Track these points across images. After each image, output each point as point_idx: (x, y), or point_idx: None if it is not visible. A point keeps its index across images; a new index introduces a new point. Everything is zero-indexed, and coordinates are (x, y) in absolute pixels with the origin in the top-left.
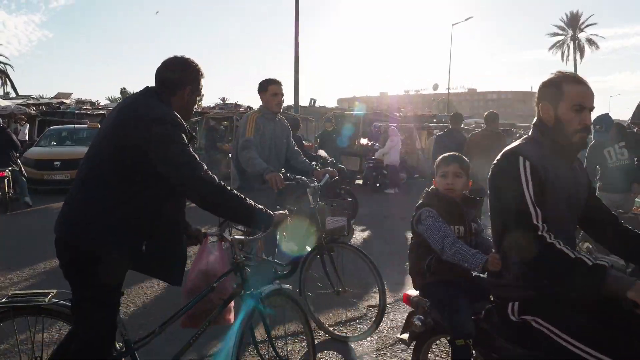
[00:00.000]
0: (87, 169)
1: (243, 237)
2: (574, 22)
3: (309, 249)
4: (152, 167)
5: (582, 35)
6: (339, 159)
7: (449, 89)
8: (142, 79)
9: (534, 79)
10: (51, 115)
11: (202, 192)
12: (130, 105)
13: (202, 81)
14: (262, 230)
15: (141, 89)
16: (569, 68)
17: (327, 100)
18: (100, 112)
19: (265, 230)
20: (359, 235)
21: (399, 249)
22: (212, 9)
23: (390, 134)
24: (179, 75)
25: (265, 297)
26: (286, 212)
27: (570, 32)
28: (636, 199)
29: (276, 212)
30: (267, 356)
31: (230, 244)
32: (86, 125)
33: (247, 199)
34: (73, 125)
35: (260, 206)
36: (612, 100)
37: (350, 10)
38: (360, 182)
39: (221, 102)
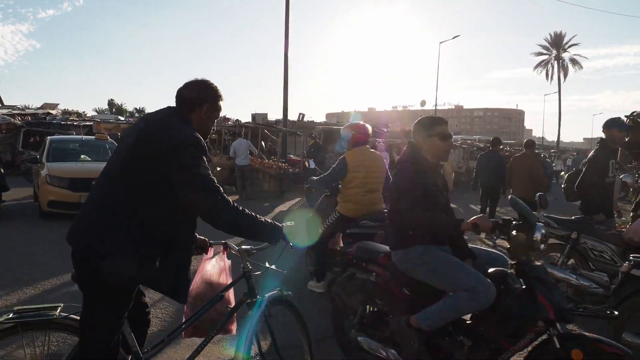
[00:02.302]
0: (106, 184)
1: (250, 247)
2: (557, 42)
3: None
4: (171, 186)
5: (565, 55)
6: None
7: (436, 105)
8: (130, 90)
9: (519, 97)
10: (37, 125)
11: (218, 215)
12: (154, 123)
13: (220, 103)
14: (272, 243)
15: (162, 107)
16: (553, 87)
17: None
18: (87, 123)
19: (275, 243)
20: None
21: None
22: (201, 23)
23: (377, 149)
24: (197, 95)
25: (270, 304)
26: (292, 223)
27: (554, 51)
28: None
29: (284, 224)
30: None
31: (239, 254)
32: (94, 137)
33: (258, 215)
34: (81, 136)
35: (270, 221)
36: (595, 118)
37: (339, 27)
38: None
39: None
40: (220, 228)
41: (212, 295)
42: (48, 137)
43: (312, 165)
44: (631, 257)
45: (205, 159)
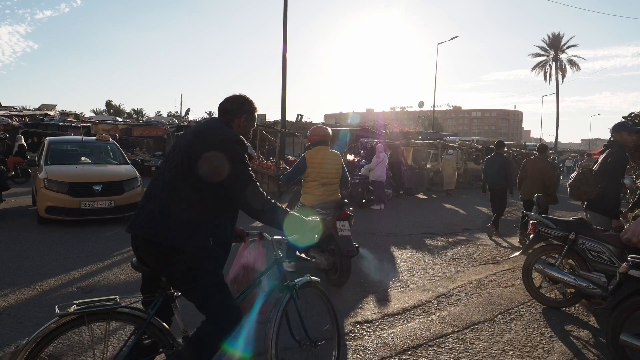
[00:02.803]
0: (171, 179)
1: (281, 237)
2: (555, 43)
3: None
4: (220, 178)
5: (563, 56)
6: None
7: (434, 106)
8: (128, 91)
9: (517, 98)
10: (34, 127)
11: (253, 204)
12: (205, 125)
13: (256, 114)
14: (298, 235)
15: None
16: (551, 88)
17: (314, 115)
18: (85, 124)
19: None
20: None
21: (385, 266)
22: (199, 24)
23: (376, 150)
24: (236, 107)
25: (299, 288)
26: (318, 218)
27: (552, 52)
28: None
29: (310, 219)
30: (299, 338)
31: (271, 243)
32: (94, 138)
33: (287, 209)
34: (81, 137)
35: (298, 215)
36: (592, 119)
37: (338, 28)
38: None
39: (207, 116)
40: (253, 216)
41: (249, 279)
42: (47, 138)
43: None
44: (629, 258)
45: (247, 156)
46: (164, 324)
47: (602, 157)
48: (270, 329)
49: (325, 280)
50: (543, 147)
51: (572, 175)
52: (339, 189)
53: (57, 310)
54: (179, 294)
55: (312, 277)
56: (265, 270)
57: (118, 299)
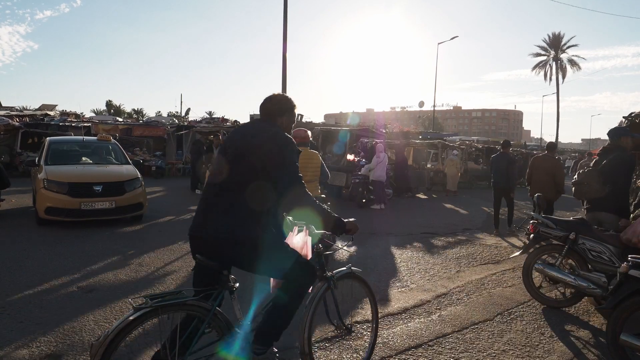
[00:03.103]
0: (229, 179)
1: (323, 231)
2: (556, 43)
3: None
4: (273, 173)
5: (564, 56)
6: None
7: (434, 106)
8: (128, 91)
9: (517, 98)
10: (35, 127)
11: (299, 202)
12: (258, 128)
13: (296, 111)
14: (336, 234)
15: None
16: (551, 88)
17: (314, 115)
18: (86, 124)
19: (339, 234)
20: (345, 251)
21: (385, 265)
22: (199, 24)
23: (376, 150)
24: (278, 107)
25: (338, 278)
26: (354, 219)
27: (552, 52)
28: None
29: (348, 220)
30: (336, 323)
31: (316, 235)
32: (96, 138)
33: (329, 210)
34: (82, 137)
35: (336, 216)
36: (593, 119)
37: (338, 28)
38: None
39: (208, 116)
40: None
41: None
42: (47, 138)
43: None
44: (629, 258)
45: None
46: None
47: (606, 159)
48: (305, 315)
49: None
50: (552, 145)
51: (576, 175)
52: (318, 186)
53: (132, 304)
54: (237, 285)
55: (353, 269)
56: (311, 259)
57: (184, 292)
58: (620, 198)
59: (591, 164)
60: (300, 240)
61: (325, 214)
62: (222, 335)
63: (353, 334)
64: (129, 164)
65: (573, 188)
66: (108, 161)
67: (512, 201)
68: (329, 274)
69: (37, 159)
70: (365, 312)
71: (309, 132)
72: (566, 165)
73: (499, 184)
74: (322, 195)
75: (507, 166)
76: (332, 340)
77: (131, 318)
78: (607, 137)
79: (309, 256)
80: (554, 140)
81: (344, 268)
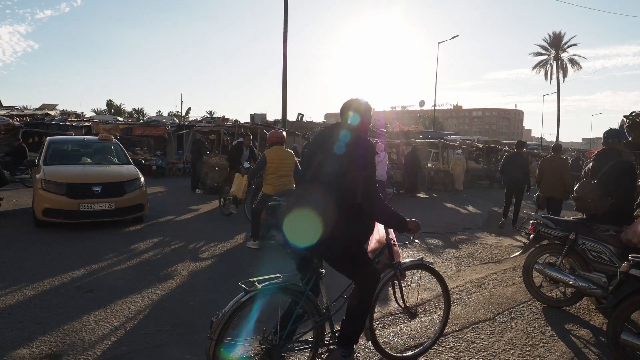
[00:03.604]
0: (318, 182)
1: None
2: (556, 42)
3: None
4: (352, 181)
5: (564, 55)
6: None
7: (435, 105)
8: (129, 91)
9: (517, 98)
10: (35, 126)
11: (372, 203)
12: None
13: (371, 112)
14: (399, 232)
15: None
16: (552, 87)
17: (315, 115)
18: (86, 124)
19: (401, 232)
20: None
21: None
22: (199, 23)
23: (377, 150)
24: (359, 111)
25: (404, 268)
26: (416, 219)
27: (553, 52)
28: None
29: (411, 220)
30: (401, 305)
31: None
32: (97, 137)
33: (393, 210)
34: (82, 137)
35: (401, 216)
36: (594, 119)
37: (339, 27)
38: None
39: (208, 116)
40: (370, 213)
41: (379, 249)
42: (47, 138)
43: (248, 165)
44: (630, 257)
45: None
46: (314, 296)
47: (605, 166)
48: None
49: (285, 254)
50: (558, 147)
51: (575, 187)
52: (293, 180)
53: (244, 287)
54: (324, 273)
55: (424, 260)
56: (383, 248)
57: (281, 276)
58: (623, 209)
59: (586, 170)
60: (381, 231)
61: (393, 215)
62: (311, 316)
63: (416, 319)
64: (130, 164)
65: (574, 202)
66: (109, 161)
67: (521, 201)
68: (396, 262)
69: (37, 158)
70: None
71: (284, 133)
72: None
73: (511, 183)
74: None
75: (520, 166)
76: (395, 322)
77: (243, 300)
78: (615, 129)
79: (378, 245)
80: (554, 139)
81: (416, 259)
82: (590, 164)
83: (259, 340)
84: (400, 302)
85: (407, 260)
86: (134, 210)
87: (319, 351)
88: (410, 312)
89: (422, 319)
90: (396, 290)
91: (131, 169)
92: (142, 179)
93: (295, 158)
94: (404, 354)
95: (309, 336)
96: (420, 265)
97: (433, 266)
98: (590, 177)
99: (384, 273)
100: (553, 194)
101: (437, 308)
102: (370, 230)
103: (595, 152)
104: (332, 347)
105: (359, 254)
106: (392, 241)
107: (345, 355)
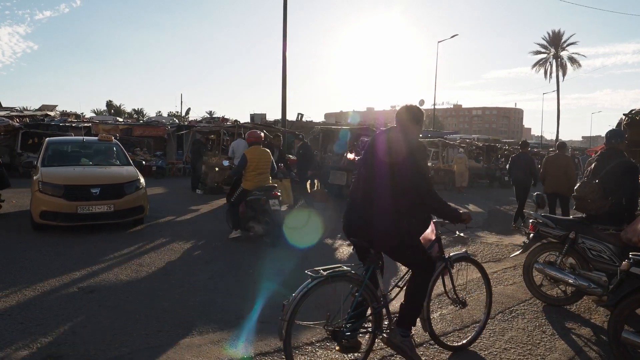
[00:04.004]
0: (375, 181)
1: (441, 220)
2: (556, 40)
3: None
4: (410, 178)
5: (564, 54)
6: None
7: (434, 104)
8: (128, 91)
9: (517, 96)
10: (35, 127)
11: (426, 197)
12: (397, 135)
13: (424, 117)
14: (452, 222)
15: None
16: (552, 86)
17: (315, 114)
18: (86, 124)
19: (455, 222)
20: (346, 249)
21: (386, 264)
22: (199, 23)
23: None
24: (413, 116)
25: (454, 260)
26: (467, 211)
27: (552, 50)
28: None
29: (464, 211)
30: (451, 297)
31: (434, 224)
32: (97, 138)
33: (447, 202)
34: (82, 138)
35: (454, 206)
36: (593, 117)
37: (338, 26)
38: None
39: (208, 116)
40: (429, 208)
41: (429, 244)
42: (46, 139)
43: (226, 163)
44: (630, 255)
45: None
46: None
47: (607, 166)
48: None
49: (261, 243)
50: (562, 145)
51: (576, 186)
52: (269, 177)
53: (311, 274)
54: (381, 262)
55: (468, 253)
56: (433, 243)
57: (345, 267)
58: (623, 208)
59: (589, 169)
60: (431, 227)
61: (445, 206)
62: (370, 303)
63: (467, 307)
64: (130, 165)
65: (574, 201)
66: (109, 162)
67: (527, 195)
68: (446, 255)
69: (36, 160)
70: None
71: (262, 134)
72: None
73: (518, 181)
74: (274, 185)
75: (527, 164)
76: (445, 312)
77: (310, 285)
78: (617, 129)
79: (433, 238)
80: (554, 138)
81: (461, 252)
82: (593, 164)
83: (324, 324)
84: (452, 293)
85: (453, 253)
86: (133, 213)
87: (378, 335)
88: (461, 302)
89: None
90: (446, 282)
91: (131, 170)
92: (142, 180)
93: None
94: (457, 343)
95: (368, 321)
96: (465, 257)
97: (475, 258)
98: (592, 177)
99: (437, 265)
100: (557, 190)
101: (437, 307)
102: (426, 226)
103: (599, 152)
104: (388, 331)
105: (416, 245)
106: (440, 235)
107: (404, 335)
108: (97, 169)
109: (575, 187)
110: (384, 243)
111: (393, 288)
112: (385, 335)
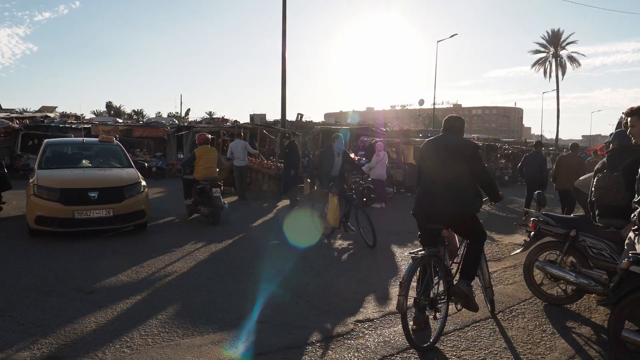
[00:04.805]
0: (460, 172)
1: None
2: (555, 39)
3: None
4: (471, 168)
5: (563, 53)
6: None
7: (434, 104)
8: (128, 92)
9: (517, 95)
10: (35, 128)
11: (486, 182)
12: (455, 138)
13: (465, 126)
14: (495, 201)
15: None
16: (551, 85)
17: (314, 115)
18: (86, 125)
19: (497, 201)
20: (347, 249)
21: (386, 264)
22: (198, 24)
23: (376, 149)
24: (461, 125)
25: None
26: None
27: (552, 49)
28: None
29: (500, 192)
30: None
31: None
32: (97, 139)
33: (495, 186)
34: (82, 139)
35: (498, 189)
36: (593, 115)
37: (338, 26)
38: None
39: (208, 117)
40: (487, 188)
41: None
42: (44, 140)
43: (181, 156)
44: (630, 254)
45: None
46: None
47: (625, 161)
48: (482, 260)
49: (206, 222)
50: (575, 146)
51: (594, 180)
52: (216, 170)
53: (413, 255)
54: (447, 243)
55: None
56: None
57: (428, 249)
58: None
59: (598, 167)
60: None
61: (496, 188)
62: (444, 277)
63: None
64: (131, 167)
65: (593, 192)
66: (109, 164)
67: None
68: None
69: (34, 162)
70: None
71: (209, 135)
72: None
73: (532, 180)
74: (217, 176)
75: (539, 164)
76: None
77: (413, 265)
78: (607, 134)
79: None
80: (554, 137)
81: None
82: (606, 159)
83: (414, 297)
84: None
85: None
86: (134, 217)
87: (451, 302)
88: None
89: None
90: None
91: (132, 172)
92: (144, 183)
93: (217, 152)
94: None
95: (443, 292)
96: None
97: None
98: (609, 170)
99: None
100: (568, 188)
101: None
102: (479, 208)
103: (610, 149)
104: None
105: (473, 222)
106: None
107: (468, 284)
108: (95, 172)
109: (595, 181)
110: (458, 221)
111: (451, 265)
112: (455, 287)
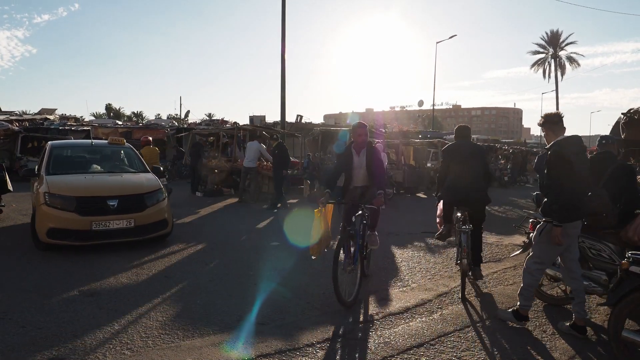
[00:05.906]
0: (479, 169)
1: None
2: (554, 40)
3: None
4: (485, 165)
5: (562, 53)
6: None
7: (433, 105)
8: (127, 94)
9: (516, 96)
10: (34, 131)
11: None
12: (470, 143)
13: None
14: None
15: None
16: (550, 85)
17: (314, 116)
18: (85, 128)
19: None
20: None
21: (386, 265)
22: (197, 25)
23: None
24: (470, 132)
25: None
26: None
27: (551, 50)
28: None
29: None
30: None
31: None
32: (107, 141)
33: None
34: (90, 141)
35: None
36: (592, 116)
37: (337, 28)
38: None
39: (207, 118)
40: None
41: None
42: (48, 143)
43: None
44: (629, 254)
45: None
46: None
47: (604, 172)
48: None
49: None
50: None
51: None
52: (159, 164)
53: (463, 229)
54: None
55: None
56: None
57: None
58: (627, 210)
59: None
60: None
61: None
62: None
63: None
64: (147, 171)
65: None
66: (122, 169)
67: None
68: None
69: (37, 166)
70: None
71: (150, 138)
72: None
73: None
74: (160, 168)
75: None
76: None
77: (466, 237)
78: (607, 134)
79: None
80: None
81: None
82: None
83: (457, 262)
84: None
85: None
86: (156, 228)
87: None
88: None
89: (424, 318)
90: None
91: (151, 177)
92: (164, 189)
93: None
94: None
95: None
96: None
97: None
98: (593, 174)
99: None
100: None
101: (438, 308)
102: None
103: (593, 154)
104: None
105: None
106: None
107: (475, 267)
108: (112, 178)
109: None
110: (480, 205)
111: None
112: (474, 273)
